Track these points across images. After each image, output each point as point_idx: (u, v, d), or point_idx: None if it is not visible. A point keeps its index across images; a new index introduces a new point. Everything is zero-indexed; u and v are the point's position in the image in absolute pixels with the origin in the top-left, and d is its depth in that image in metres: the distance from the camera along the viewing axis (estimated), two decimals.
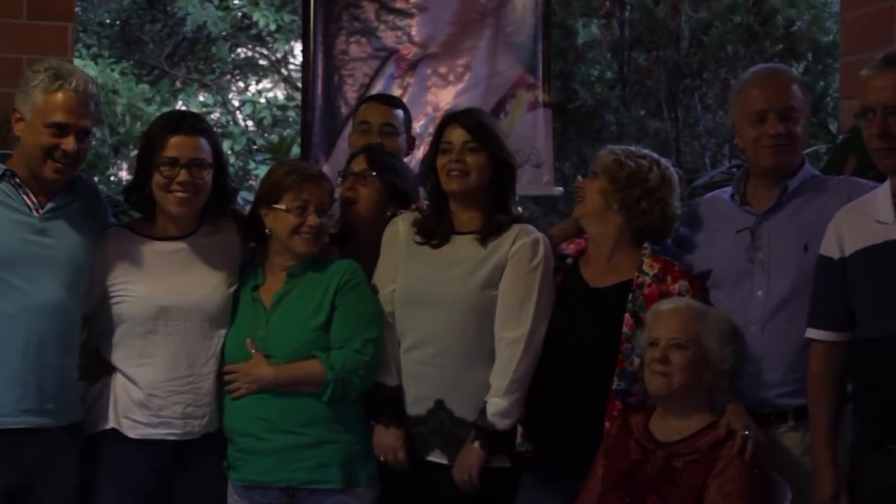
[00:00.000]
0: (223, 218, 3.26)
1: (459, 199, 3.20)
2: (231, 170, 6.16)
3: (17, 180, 3.01)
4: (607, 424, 3.02)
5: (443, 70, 5.13)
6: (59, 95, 2.96)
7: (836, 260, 2.86)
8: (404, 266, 3.22)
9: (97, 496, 3.09)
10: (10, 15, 4.13)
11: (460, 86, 5.13)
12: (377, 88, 5.01)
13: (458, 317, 3.12)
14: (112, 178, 9.36)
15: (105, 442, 3.10)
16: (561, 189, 5.42)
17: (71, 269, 3.04)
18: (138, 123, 9.11)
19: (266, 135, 10.49)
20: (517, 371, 3.07)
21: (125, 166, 9.62)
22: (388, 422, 3.15)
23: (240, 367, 3.12)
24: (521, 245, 3.13)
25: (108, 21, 10.66)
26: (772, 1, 7.67)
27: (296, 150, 8.16)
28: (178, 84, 10.68)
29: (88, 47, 10.06)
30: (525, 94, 5.14)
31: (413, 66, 5.11)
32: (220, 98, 10.84)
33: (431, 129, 3.38)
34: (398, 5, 5.12)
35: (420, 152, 4.25)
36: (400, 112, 3.99)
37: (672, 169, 3.22)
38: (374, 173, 3.38)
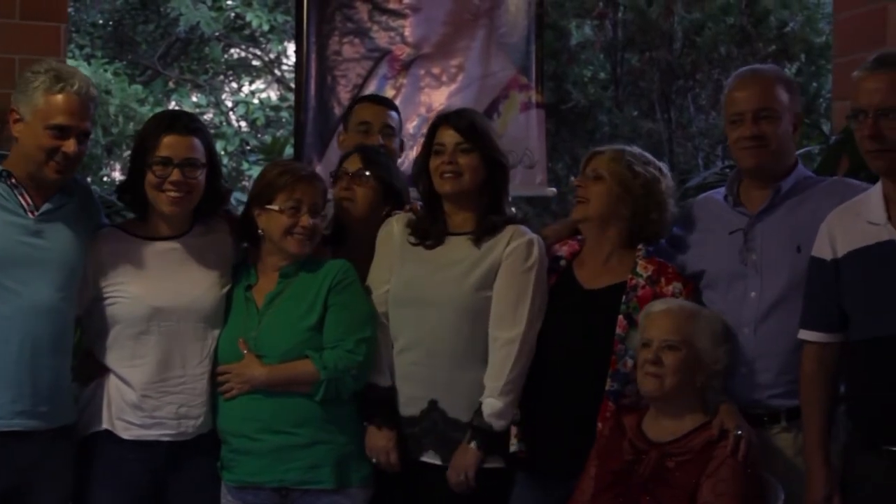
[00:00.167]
0: (216, 218, 3.25)
1: (453, 200, 3.20)
2: (224, 170, 6.16)
3: (13, 181, 3.00)
4: (600, 425, 3.01)
5: (436, 71, 5.13)
6: (61, 97, 2.95)
7: (829, 261, 2.86)
8: (398, 267, 3.22)
9: (91, 498, 3.09)
10: (2, 15, 4.10)
11: (453, 86, 5.13)
12: (370, 89, 5.01)
13: (453, 317, 3.11)
14: (105, 179, 9.36)
15: (99, 443, 3.09)
16: (554, 190, 5.43)
17: (64, 271, 3.03)
18: (131, 124, 9.11)
19: (259, 135, 10.47)
20: (512, 371, 3.07)
21: (118, 167, 9.61)
22: (381, 423, 3.15)
23: (232, 367, 3.11)
24: (516, 246, 3.13)
25: (100, 21, 10.64)
26: (765, 2, 7.68)
27: (289, 151, 8.17)
28: (171, 84, 10.67)
29: (81, 48, 10.03)
30: (518, 95, 5.14)
31: (406, 66, 5.12)
32: (213, 98, 10.83)
33: (425, 130, 3.37)
34: (391, 6, 5.12)
35: (412, 153, 4.25)
36: (395, 114, 4.00)
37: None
38: (369, 173, 3.37)
